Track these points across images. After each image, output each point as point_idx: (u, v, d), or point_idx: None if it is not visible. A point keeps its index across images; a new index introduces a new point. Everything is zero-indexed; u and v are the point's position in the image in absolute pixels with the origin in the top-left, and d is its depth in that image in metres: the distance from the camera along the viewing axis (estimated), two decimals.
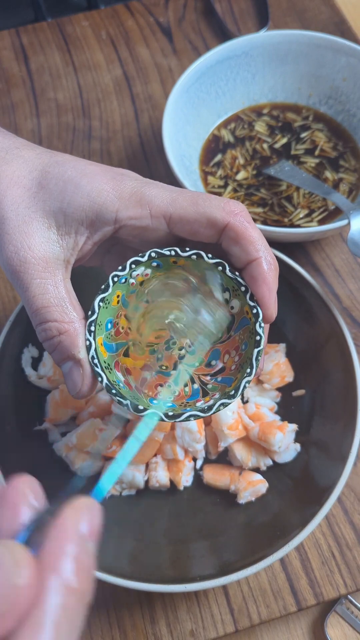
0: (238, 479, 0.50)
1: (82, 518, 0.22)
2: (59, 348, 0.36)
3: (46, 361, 0.54)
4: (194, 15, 0.86)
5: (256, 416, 0.51)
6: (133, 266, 0.37)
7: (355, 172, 0.68)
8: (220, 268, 0.37)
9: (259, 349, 0.36)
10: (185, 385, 0.40)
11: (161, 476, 0.50)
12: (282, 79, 0.73)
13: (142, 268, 0.37)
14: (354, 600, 0.50)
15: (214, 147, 0.72)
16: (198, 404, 0.38)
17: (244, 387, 0.36)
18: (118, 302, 0.38)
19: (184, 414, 0.36)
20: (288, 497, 0.49)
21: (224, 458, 0.53)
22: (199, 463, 0.52)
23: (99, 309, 0.36)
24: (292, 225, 0.65)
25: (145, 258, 0.37)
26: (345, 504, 0.53)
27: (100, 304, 0.36)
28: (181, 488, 0.51)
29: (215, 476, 0.51)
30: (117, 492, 0.51)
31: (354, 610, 0.50)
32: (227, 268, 0.37)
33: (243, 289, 0.37)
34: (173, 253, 0.37)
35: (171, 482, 0.51)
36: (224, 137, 0.72)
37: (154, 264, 0.38)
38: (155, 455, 0.51)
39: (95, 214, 0.35)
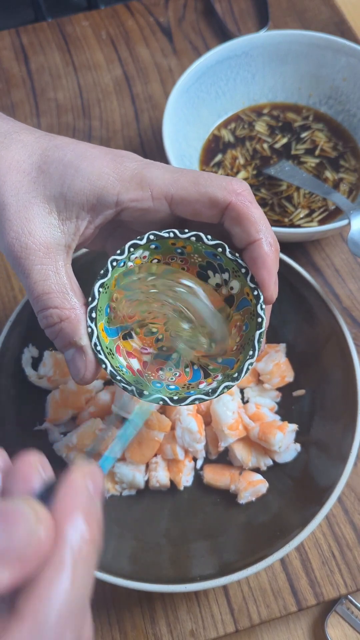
0: (238, 479, 0.50)
1: (88, 478, 0.24)
2: (60, 335, 0.36)
3: (46, 361, 0.54)
4: (194, 15, 0.86)
5: (256, 416, 0.51)
6: (131, 249, 0.36)
7: (356, 172, 0.68)
8: (219, 249, 0.36)
9: (260, 330, 0.36)
10: (186, 367, 0.39)
11: (161, 476, 0.50)
12: (282, 79, 0.73)
13: (141, 251, 0.37)
14: (354, 600, 0.50)
15: (214, 147, 0.72)
16: (201, 386, 0.38)
17: (247, 369, 0.36)
18: (116, 285, 0.37)
19: (188, 397, 0.36)
20: (288, 497, 0.49)
21: (224, 458, 0.53)
22: (199, 463, 0.52)
23: (99, 295, 0.36)
24: (292, 225, 0.65)
25: (144, 241, 0.36)
26: (346, 504, 0.53)
27: (100, 289, 0.36)
28: (181, 488, 0.51)
29: (216, 476, 0.51)
30: (117, 492, 0.51)
31: (354, 610, 0.50)
32: (227, 249, 0.36)
33: (243, 270, 0.36)
34: (172, 235, 0.36)
35: (171, 482, 0.51)
36: (224, 137, 0.72)
37: (152, 246, 0.37)
38: (155, 455, 0.51)
39: (96, 198, 0.35)
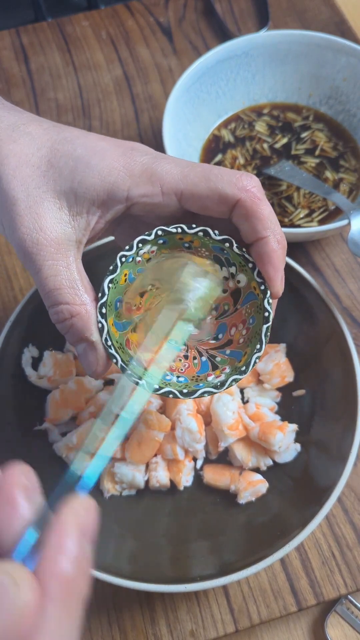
0: (238, 479, 0.50)
1: (79, 518, 0.23)
2: (71, 330, 0.36)
3: (46, 361, 0.54)
4: (194, 15, 0.86)
5: (256, 416, 0.51)
6: (140, 245, 0.37)
7: (356, 172, 0.68)
8: (227, 244, 0.37)
9: (267, 325, 0.36)
10: (194, 358, 0.40)
11: (161, 476, 0.50)
12: (282, 79, 0.73)
13: (149, 246, 0.37)
14: (354, 600, 0.50)
15: (214, 147, 0.71)
16: (209, 379, 0.38)
17: (255, 362, 0.36)
18: (125, 280, 0.38)
19: (198, 390, 0.36)
20: (288, 497, 0.49)
21: (224, 458, 0.53)
22: (199, 463, 0.52)
23: (108, 290, 0.36)
24: (292, 225, 0.65)
25: (152, 236, 0.36)
26: (346, 504, 0.53)
27: (110, 285, 0.36)
28: (181, 488, 0.51)
29: (216, 476, 0.51)
30: (117, 492, 0.51)
31: (354, 610, 0.50)
32: (234, 245, 0.37)
33: (250, 265, 0.37)
34: (179, 230, 0.36)
35: (171, 482, 0.51)
36: (224, 137, 0.72)
37: (160, 241, 0.37)
38: (155, 455, 0.51)
39: (107, 193, 0.35)
